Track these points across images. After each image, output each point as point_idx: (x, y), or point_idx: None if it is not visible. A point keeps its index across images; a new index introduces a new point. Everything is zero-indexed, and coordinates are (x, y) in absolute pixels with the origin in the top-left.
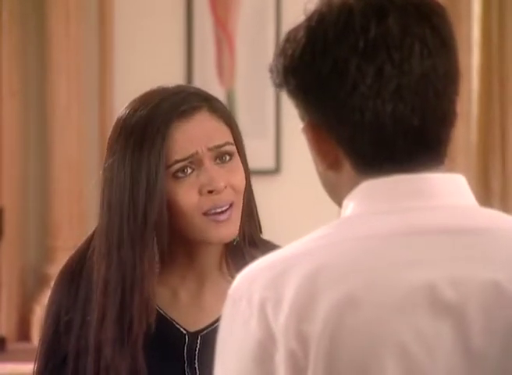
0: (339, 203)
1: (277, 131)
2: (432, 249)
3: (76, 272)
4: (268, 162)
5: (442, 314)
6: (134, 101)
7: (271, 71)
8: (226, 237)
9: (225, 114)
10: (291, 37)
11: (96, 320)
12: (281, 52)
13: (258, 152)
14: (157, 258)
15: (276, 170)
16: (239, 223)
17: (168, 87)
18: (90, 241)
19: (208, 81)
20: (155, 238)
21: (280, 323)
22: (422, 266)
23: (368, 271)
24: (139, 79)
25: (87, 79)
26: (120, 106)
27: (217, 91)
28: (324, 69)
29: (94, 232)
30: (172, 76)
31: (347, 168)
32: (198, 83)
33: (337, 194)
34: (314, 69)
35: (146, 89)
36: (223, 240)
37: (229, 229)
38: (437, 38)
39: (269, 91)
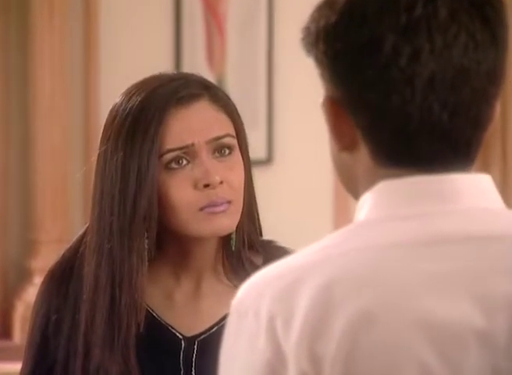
0: (355, 195)
1: (269, 120)
2: (458, 260)
3: (66, 270)
4: (260, 152)
5: (468, 335)
6: (131, 86)
7: (303, 32)
8: (222, 229)
9: (227, 104)
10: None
11: (85, 320)
12: (317, 14)
13: (249, 142)
14: (151, 251)
15: (268, 160)
16: (237, 220)
17: (167, 73)
18: (82, 237)
19: (197, 67)
20: (145, 232)
21: (291, 341)
22: (447, 283)
23: (386, 286)
24: (126, 64)
25: (71, 65)
26: (106, 94)
27: (206, 78)
28: (357, 41)
29: (87, 228)
30: (160, 62)
31: (364, 154)
32: (187, 68)
33: (352, 182)
34: (346, 40)
35: (133, 74)
36: (218, 233)
37: (225, 221)
38: (487, 33)
39: (261, 77)
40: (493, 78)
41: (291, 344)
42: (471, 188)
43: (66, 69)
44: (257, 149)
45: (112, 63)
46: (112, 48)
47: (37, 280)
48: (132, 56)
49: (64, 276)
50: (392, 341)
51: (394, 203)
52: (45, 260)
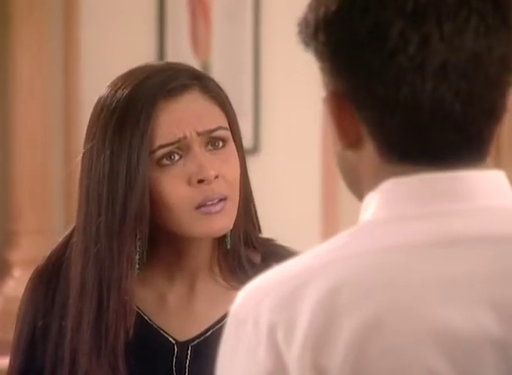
0: (359, 195)
1: (256, 107)
2: (473, 263)
3: (53, 272)
4: (246, 141)
5: (483, 344)
6: (117, 78)
7: (300, 24)
8: (218, 230)
9: (218, 95)
10: None
11: (71, 325)
12: (315, 4)
13: None
14: (143, 253)
15: (255, 149)
16: (234, 218)
17: (155, 64)
18: (69, 237)
19: (181, 53)
20: (136, 233)
21: (293, 352)
22: (461, 288)
23: (396, 291)
24: (107, 50)
25: (50, 51)
26: (87, 81)
27: (191, 64)
28: (361, 29)
29: (74, 228)
30: (142, 47)
31: (369, 150)
32: (171, 54)
33: (356, 182)
34: (349, 29)
35: (115, 61)
36: (215, 233)
37: (222, 221)
38: (499, 16)
39: (248, 64)
40: (507, 64)
41: (293, 355)
42: (486, 186)
43: (46, 55)
44: (243, 138)
45: (93, 50)
46: (93, 34)
47: (17, 273)
48: (114, 43)
49: (51, 279)
50: (402, 350)
51: (403, 202)
52: (25, 252)
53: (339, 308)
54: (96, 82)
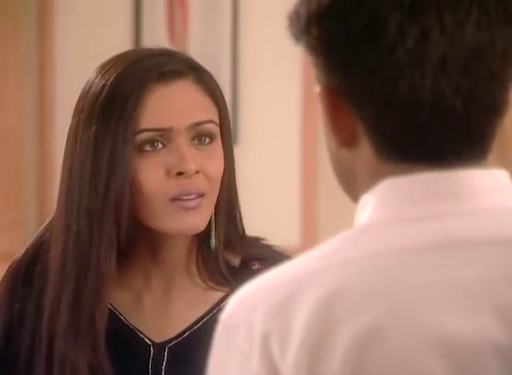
0: (354, 196)
1: (233, 99)
2: (475, 266)
3: (30, 265)
4: None
5: (487, 351)
6: (109, 59)
7: (290, 18)
8: (191, 228)
9: (213, 88)
10: None
11: (50, 304)
12: None
13: None
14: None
15: (233, 140)
16: (208, 217)
17: (150, 48)
18: (47, 228)
19: (157, 41)
20: (116, 218)
21: (289, 362)
22: (463, 293)
23: (394, 296)
24: (82, 39)
25: (25, 38)
26: (62, 69)
27: None
28: (356, 23)
29: (51, 220)
30: (118, 35)
31: (366, 149)
32: (147, 43)
33: (351, 182)
34: (344, 22)
35: (90, 49)
36: (188, 231)
37: (196, 219)
38: (501, 8)
39: (226, 53)
40: (509, 58)
41: (289, 364)
42: (489, 185)
43: (20, 42)
44: None
45: (67, 38)
46: (68, 23)
47: None
48: (89, 31)
49: (28, 272)
50: (402, 359)
51: (401, 203)
52: None
53: (335, 315)
54: (71, 74)
